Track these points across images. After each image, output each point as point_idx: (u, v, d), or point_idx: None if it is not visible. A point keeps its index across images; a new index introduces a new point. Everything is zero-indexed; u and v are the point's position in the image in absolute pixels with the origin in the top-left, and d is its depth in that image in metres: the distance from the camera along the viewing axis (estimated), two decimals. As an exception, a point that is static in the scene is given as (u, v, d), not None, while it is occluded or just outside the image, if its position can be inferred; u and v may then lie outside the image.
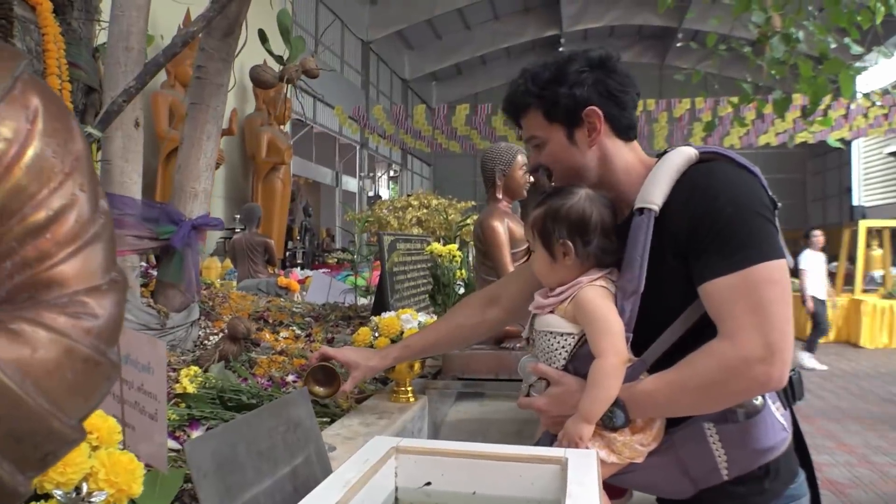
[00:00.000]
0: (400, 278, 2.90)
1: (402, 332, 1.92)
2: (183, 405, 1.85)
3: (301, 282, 5.84)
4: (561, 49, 25.93)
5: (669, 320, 1.23)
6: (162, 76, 8.67)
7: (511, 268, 2.14)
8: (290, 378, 2.13)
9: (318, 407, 1.95)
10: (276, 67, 2.88)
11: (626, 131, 1.37)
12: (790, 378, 1.26)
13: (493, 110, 17.20)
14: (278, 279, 5.18)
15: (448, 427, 2.27)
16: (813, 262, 9.32)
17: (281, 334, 2.70)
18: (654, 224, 1.24)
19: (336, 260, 11.33)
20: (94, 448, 0.88)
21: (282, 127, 11.09)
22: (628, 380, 1.24)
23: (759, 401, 1.22)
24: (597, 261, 1.31)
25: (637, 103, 1.41)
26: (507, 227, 2.18)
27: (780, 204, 1.27)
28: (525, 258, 2.24)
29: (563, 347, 1.30)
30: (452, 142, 18.25)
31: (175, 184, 2.57)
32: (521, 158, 2.26)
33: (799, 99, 6.31)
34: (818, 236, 9.43)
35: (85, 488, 0.84)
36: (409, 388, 2.04)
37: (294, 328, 2.83)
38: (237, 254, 5.79)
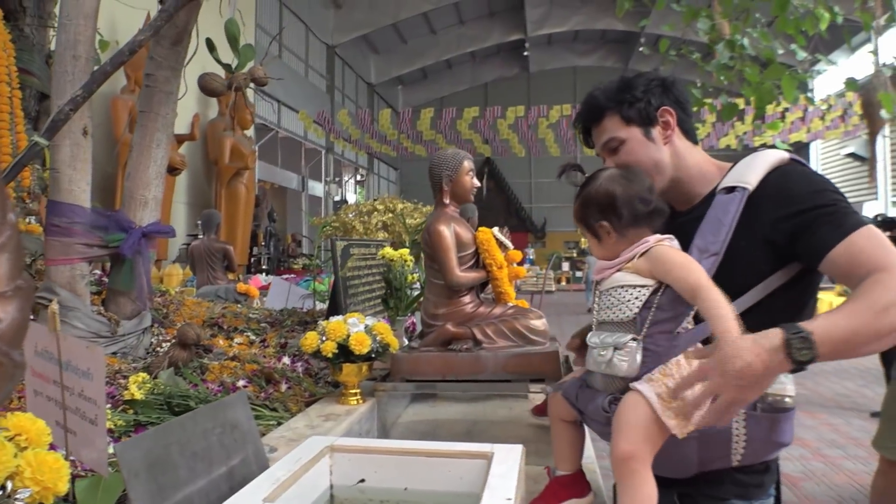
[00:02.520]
0: (355, 283, 2.94)
1: (348, 336, 1.95)
2: (131, 411, 1.87)
3: (263, 288, 5.84)
4: (525, 54, 26.18)
5: (735, 294, 1.24)
6: (121, 80, 8.58)
7: (457, 271, 2.18)
8: (241, 383, 2.15)
9: (265, 410, 1.98)
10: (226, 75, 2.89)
11: (691, 134, 1.53)
12: None
13: (458, 114, 17.29)
14: (237, 285, 5.17)
15: (400, 429, 2.30)
16: None
17: (235, 340, 2.72)
18: (747, 202, 1.33)
19: (301, 265, 11.29)
20: (23, 449, 0.91)
21: (245, 132, 11.02)
22: (683, 345, 1.26)
23: (789, 400, 1.29)
24: (643, 224, 1.36)
25: (693, 115, 1.57)
26: (453, 231, 2.22)
27: None
28: (472, 262, 2.29)
29: (635, 298, 1.31)
30: (418, 146, 18.30)
31: (125, 191, 2.57)
32: (467, 164, 2.31)
33: (746, 103, 6.47)
34: None
35: (10, 486, 0.87)
36: (357, 391, 2.08)
37: (248, 334, 2.85)
38: (196, 260, 5.76)
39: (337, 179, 21.98)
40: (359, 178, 24.72)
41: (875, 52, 4.86)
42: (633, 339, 1.28)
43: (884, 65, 4.77)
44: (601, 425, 1.35)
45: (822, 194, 1.29)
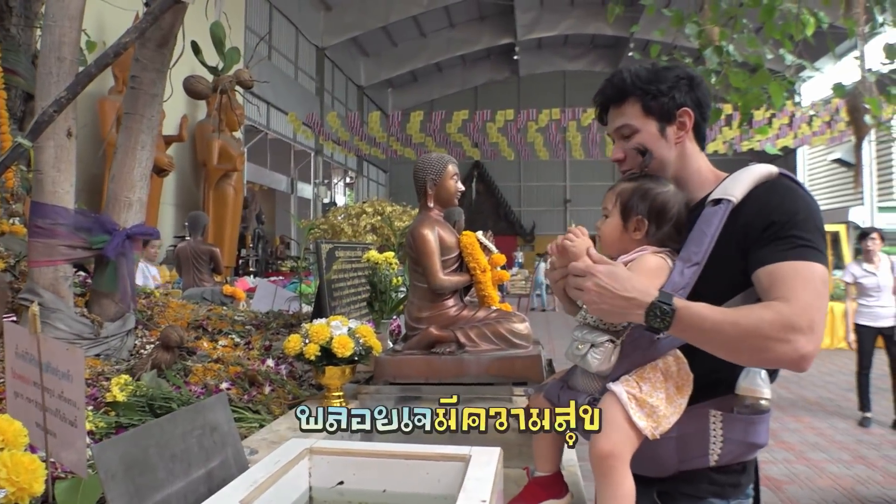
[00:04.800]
0: (340, 286, 2.94)
1: (330, 339, 1.96)
2: (112, 413, 1.87)
3: (250, 290, 5.82)
4: (516, 57, 26.25)
5: (713, 302, 1.29)
6: (109, 81, 8.54)
7: (440, 275, 2.19)
8: (224, 385, 2.15)
9: (247, 412, 1.98)
10: (211, 78, 2.89)
11: (702, 139, 1.56)
12: None
13: (447, 117, 17.31)
14: (224, 287, 5.16)
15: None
16: None
17: (219, 342, 2.71)
18: (728, 215, 1.37)
19: (290, 268, 11.27)
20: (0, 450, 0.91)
21: (234, 133, 10.99)
22: (663, 349, 1.34)
23: (765, 402, 1.34)
24: (659, 243, 1.44)
25: (709, 118, 1.60)
26: (437, 235, 2.23)
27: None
28: (455, 265, 2.30)
29: None
30: (407, 149, 18.31)
31: (109, 193, 2.57)
32: (451, 168, 2.32)
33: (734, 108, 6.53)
34: None
35: (-16, 487, 0.87)
36: (340, 393, 2.09)
37: (233, 336, 2.85)
38: (182, 262, 5.74)
39: (326, 182, 21.95)
40: (348, 180, 24.70)
41: (861, 59, 4.92)
42: (610, 341, 1.35)
43: (869, 70, 4.82)
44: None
45: (796, 220, 1.32)
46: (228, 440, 1.31)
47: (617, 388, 1.31)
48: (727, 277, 1.37)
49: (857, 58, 4.86)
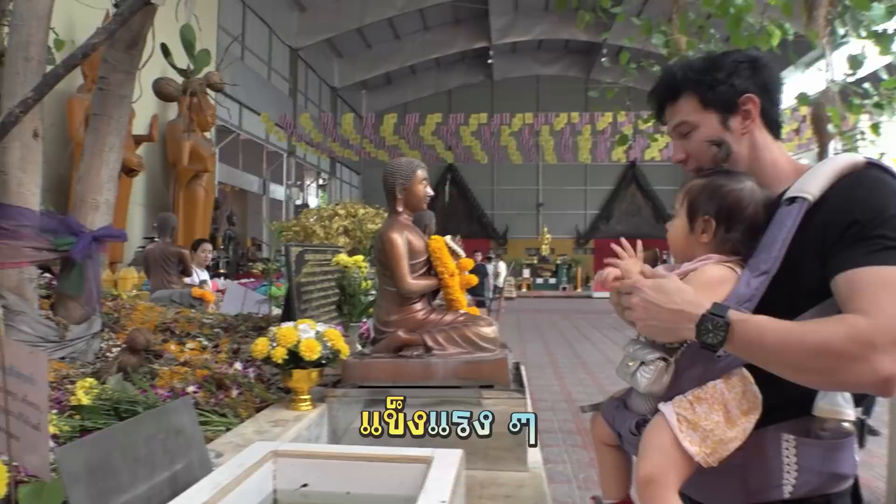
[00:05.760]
0: (309, 289, 2.95)
1: (298, 342, 1.97)
2: (77, 417, 1.86)
3: (221, 292, 5.79)
4: (490, 61, 26.38)
5: (787, 315, 1.14)
6: (78, 79, 8.41)
7: (408, 279, 2.21)
8: (191, 389, 2.15)
9: (214, 415, 1.98)
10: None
11: (774, 126, 1.37)
12: (861, 421, 1.22)
13: (421, 120, 17.34)
14: (192, 290, 5.12)
15: (353, 434, 2.32)
16: None
17: (187, 345, 2.70)
18: (804, 216, 1.20)
19: (261, 270, 11.18)
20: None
21: (205, 134, 10.89)
22: (725, 368, 1.20)
23: (848, 425, 1.16)
24: (731, 250, 1.28)
25: (781, 103, 1.41)
26: (405, 239, 2.25)
27: None
28: (424, 269, 2.32)
29: None
30: (381, 151, 18.31)
31: (76, 195, 2.55)
32: (420, 173, 2.34)
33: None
34: None
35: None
36: (308, 397, 2.10)
37: (201, 339, 2.84)
38: (151, 264, 5.68)
39: (299, 183, 21.84)
40: (321, 182, 24.60)
41: (827, 69, 5.04)
42: (662, 359, 1.23)
43: (832, 81, 4.93)
44: (634, 448, 1.29)
45: (885, 217, 1.13)
46: (193, 443, 1.32)
47: (666, 408, 1.20)
48: (803, 287, 1.19)
49: (820, 69, 4.98)
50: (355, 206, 10.32)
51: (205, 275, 6.63)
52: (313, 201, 21.86)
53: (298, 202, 19.93)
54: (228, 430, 1.89)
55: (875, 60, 4.78)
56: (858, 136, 5.09)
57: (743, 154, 1.33)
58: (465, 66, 28.70)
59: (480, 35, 24.88)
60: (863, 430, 1.22)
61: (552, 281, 28.55)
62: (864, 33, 4.52)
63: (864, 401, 1.22)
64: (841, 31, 4.37)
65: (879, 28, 4.39)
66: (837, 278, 1.13)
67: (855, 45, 4.81)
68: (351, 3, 20.12)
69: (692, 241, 1.32)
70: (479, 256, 15.60)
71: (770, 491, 1.19)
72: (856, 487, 1.27)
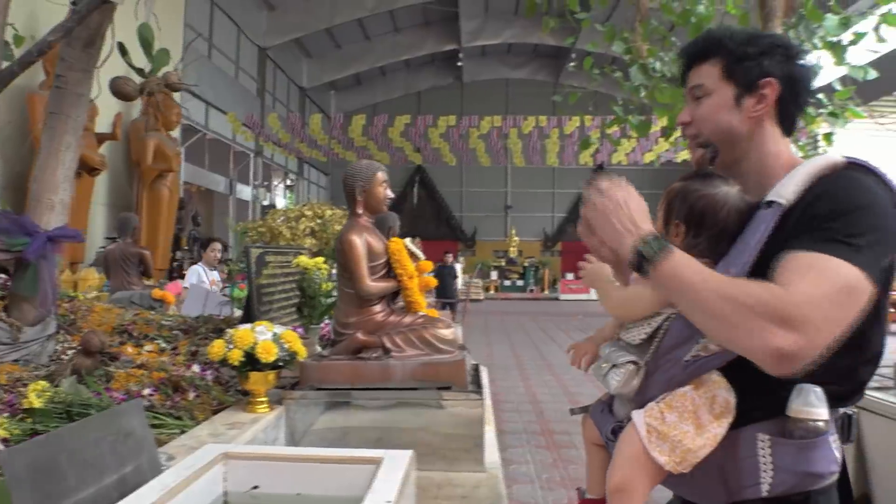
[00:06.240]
0: (270, 290, 2.94)
1: (255, 344, 1.97)
2: (29, 420, 1.84)
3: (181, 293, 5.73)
4: (459, 64, 26.45)
5: None
6: (40, 75, 8.24)
7: (367, 281, 2.22)
8: (147, 391, 2.13)
9: (169, 418, 1.97)
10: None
11: (788, 122, 1.34)
12: (848, 416, 1.25)
13: (389, 121, 17.31)
14: (153, 291, 5.06)
15: (311, 437, 2.32)
16: None
17: (144, 347, 2.68)
18: (780, 220, 1.19)
19: (227, 271, 11.07)
20: None
21: (170, 133, 10.74)
22: (696, 372, 1.21)
23: (822, 424, 1.16)
24: (699, 254, 1.25)
25: (806, 107, 1.39)
26: (365, 241, 2.26)
27: None
28: (383, 272, 2.33)
29: (647, 323, 1.28)
30: (349, 152, 18.24)
31: (31, 194, 2.51)
32: (380, 175, 2.35)
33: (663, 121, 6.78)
34: None
35: None
36: (265, 399, 2.09)
37: (159, 341, 2.81)
38: (111, 265, 5.60)
39: (266, 184, 21.66)
40: (288, 182, 24.42)
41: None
42: (633, 363, 1.26)
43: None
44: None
45: (843, 212, 1.14)
46: (143, 446, 1.31)
47: (637, 417, 1.23)
48: None
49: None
50: (322, 207, 10.27)
51: (214, 274, 6.59)
52: (281, 202, 21.71)
53: (265, 203, 19.76)
54: (183, 432, 1.89)
55: (832, 71, 4.92)
56: (812, 145, 5.23)
57: (744, 137, 1.32)
58: (434, 68, 28.75)
59: (450, 37, 24.94)
60: (849, 424, 1.25)
61: (520, 283, 28.70)
62: (819, 44, 4.65)
63: (847, 400, 1.24)
64: (795, 41, 4.49)
65: (834, 39, 4.52)
66: (784, 255, 1.13)
67: (812, 56, 4.94)
68: (320, 3, 20.02)
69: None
70: (451, 258, 15.61)
71: (748, 489, 1.21)
72: (843, 481, 1.29)
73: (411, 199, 29.91)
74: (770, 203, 1.21)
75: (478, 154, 19.20)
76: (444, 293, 13.21)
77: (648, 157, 18.83)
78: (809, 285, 1.06)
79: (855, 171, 1.21)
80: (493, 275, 28.68)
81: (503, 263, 29.24)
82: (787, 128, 1.34)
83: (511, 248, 29.48)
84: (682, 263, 1.13)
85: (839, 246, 1.09)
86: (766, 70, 1.29)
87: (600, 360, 1.33)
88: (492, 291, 27.57)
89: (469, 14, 23.44)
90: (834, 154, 1.26)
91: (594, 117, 14.85)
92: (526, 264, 29.10)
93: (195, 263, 12.51)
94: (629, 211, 1.21)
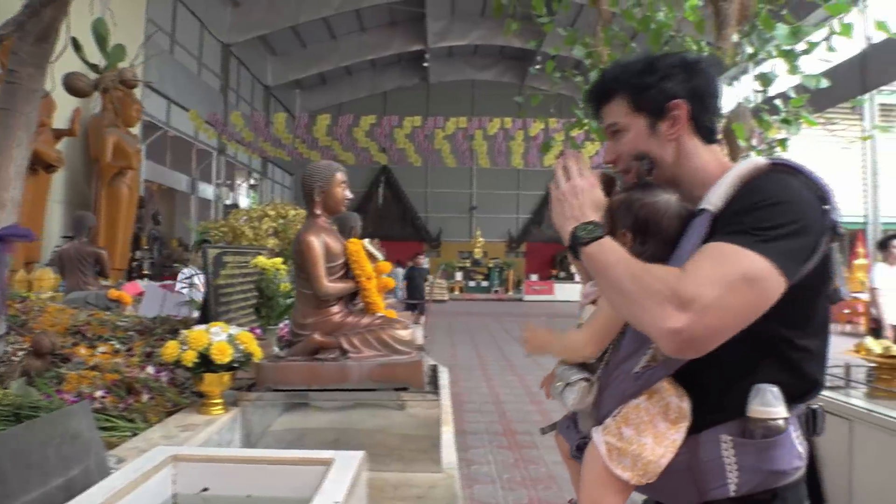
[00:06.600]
0: (228, 291, 2.92)
1: (209, 345, 1.96)
2: (-25, 423, 1.80)
3: (140, 294, 5.63)
4: (426, 64, 26.48)
5: None
6: (-7, 71, 8.04)
7: (325, 281, 2.22)
8: (99, 393, 2.10)
9: (121, 420, 1.95)
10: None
11: (707, 133, 1.38)
12: (813, 411, 1.27)
13: (354, 121, 17.23)
14: (109, 292, 4.97)
15: (269, 438, 2.31)
16: (889, 280, 6.64)
17: (98, 349, 2.64)
18: (710, 226, 1.23)
19: (187, 270, 10.90)
20: None
21: (130, 129, 10.54)
22: (648, 383, 1.25)
23: (781, 423, 1.18)
24: (648, 261, 1.27)
25: (720, 111, 1.42)
26: (323, 242, 2.26)
27: (841, 231, 1.24)
28: (341, 273, 2.33)
29: None
30: (314, 151, 18.09)
31: (-19, 192, 2.45)
32: (339, 176, 2.35)
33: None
34: None
35: None
36: (220, 401, 2.08)
37: (114, 342, 2.77)
38: (66, 265, 5.47)
39: (229, 182, 21.39)
40: (252, 182, 24.15)
41: (729, 83, 5.27)
42: (585, 380, 1.30)
43: (745, 98, 5.16)
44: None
45: (757, 206, 1.18)
46: (91, 448, 1.30)
47: (597, 436, 1.27)
48: None
49: (727, 84, 5.22)
50: (286, 207, 10.17)
51: None
52: (244, 201, 21.46)
53: (228, 202, 19.51)
54: (135, 435, 1.87)
55: (790, 79, 5.05)
56: (768, 151, 5.36)
57: (668, 160, 1.35)
58: (400, 68, 28.69)
59: (417, 38, 24.92)
60: (814, 418, 1.27)
61: (484, 284, 28.79)
62: (774, 52, 4.77)
63: (804, 397, 1.26)
64: (749, 49, 4.60)
65: (787, 47, 4.64)
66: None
67: (770, 63, 5.07)
68: (286, 1, 19.85)
69: None
70: (422, 259, 15.54)
71: (716, 490, 1.23)
72: (812, 476, 1.32)
73: (376, 200, 29.81)
74: (703, 210, 1.25)
75: (443, 155, 19.22)
76: (416, 294, 13.21)
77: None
78: (706, 269, 1.11)
79: (779, 172, 1.25)
80: (458, 275, 28.73)
81: (468, 264, 29.30)
82: (708, 136, 1.38)
83: (476, 249, 29.54)
84: (607, 247, 1.21)
85: (745, 236, 1.13)
86: (670, 93, 1.33)
87: (555, 378, 1.36)
88: (456, 292, 27.60)
89: (436, 15, 23.45)
90: (759, 158, 1.30)
91: (559, 120, 14.98)
92: (490, 265, 29.19)
93: (154, 264, 12.34)
94: (581, 200, 1.29)
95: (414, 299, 12.84)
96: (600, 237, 1.21)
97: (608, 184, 1.41)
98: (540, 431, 1.69)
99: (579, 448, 1.36)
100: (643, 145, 1.36)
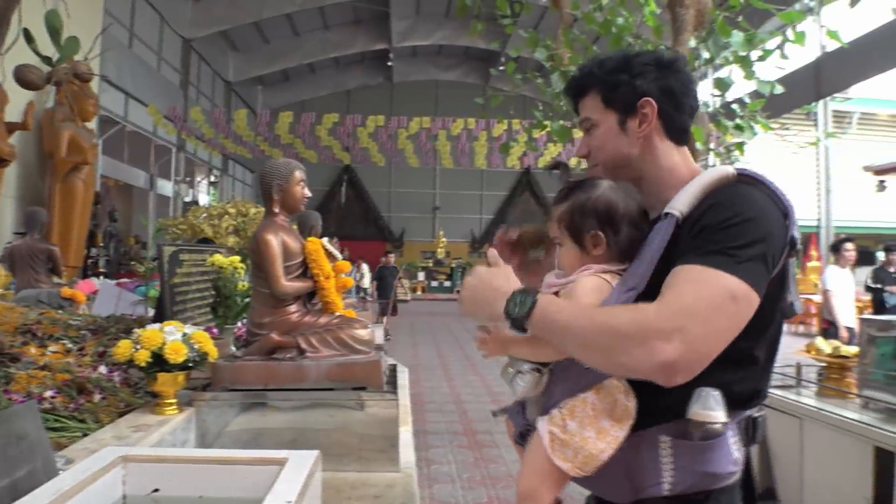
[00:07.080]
0: (184, 289, 2.88)
1: (163, 344, 1.93)
2: (-83, 424, 1.75)
3: (95, 292, 5.52)
4: (389, 64, 26.41)
5: None
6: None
7: (282, 280, 2.21)
8: (49, 394, 2.05)
9: (72, 421, 1.91)
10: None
11: (677, 133, 1.37)
12: (753, 419, 1.28)
13: (317, 119, 17.11)
14: (62, 290, 4.86)
15: (225, 439, 2.29)
16: (841, 283, 6.84)
17: (49, 348, 2.57)
18: (676, 232, 1.23)
19: (144, 269, 10.71)
20: None
21: (86, 124, 10.29)
22: (597, 379, 1.24)
23: (719, 426, 1.19)
24: (625, 254, 1.31)
25: (696, 111, 1.42)
26: (281, 240, 2.24)
27: (799, 246, 1.26)
28: (299, 272, 2.32)
29: None
30: (275, 149, 17.91)
31: (-75, 186, 2.38)
32: (298, 174, 2.34)
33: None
34: (850, 250, 6.93)
35: None
36: (174, 401, 2.05)
37: (65, 342, 2.71)
38: (17, 262, 5.33)
39: (188, 179, 21.04)
40: (212, 179, 23.80)
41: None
42: (536, 370, 1.31)
43: (703, 102, 5.27)
44: None
45: (727, 224, 1.18)
46: (38, 449, 1.27)
47: (541, 425, 1.28)
48: None
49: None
50: (246, 204, 10.05)
51: None
52: (204, 199, 21.15)
53: (188, 199, 19.21)
54: (86, 436, 1.83)
55: (745, 84, 5.17)
56: (726, 154, 5.48)
57: (637, 159, 1.35)
58: (364, 67, 28.56)
59: (381, 37, 24.84)
60: (754, 427, 1.29)
61: (447, 284, 28.81)
62: (730, 58, 4.87)
63: (747, 404, 1.27)
64: (706, 54, 4.69)
65: (743, 53, 4.75)
66: (672, 270, 1.18)
67: (727, 69, 5.18)
68: (248, -4, 19.62)
69: (588, 259, 1.33)
70: (392, 258, 15.46)
71: (651, 488, 1.24)
72: (747, 481, 1.33)
73: (339, 199, 29.66)
74: (666, 214, 1.25)
75: (406, 155, 19.21)
76: (385, 293, 13.18)
77: (573, 162, 19.20)
78: (687, 296, 1.11)
79: (745, 184, 1.26)
80: (421, 275, 28.72)
81: (430, 264, 29.30)
82: (679, 138, 1.38)
83: (439, 249, 29.56)
84: (550, 308, 1.18)
85: (720, 257, 1.14)
86: (641, 91, 1.33)
87: (505, 365, 1.36)
88: (419, 292, 27.60)
89: (400, 14, 23.41)
90: (726, 167, 1.30)
91: (522, 121, 15.08)
92: (453, 265, 29.24)
93: (111, 261, 12.08)
94: (488, 281, 1.28)
95: (385, 298, 12.83)
96: (535, 301, 1.19)
97: (563, 169, 1.45)
98: (492, 414, 1.69)
99: (522, 435, 1.38)
100: (613, 142, 1.36)
